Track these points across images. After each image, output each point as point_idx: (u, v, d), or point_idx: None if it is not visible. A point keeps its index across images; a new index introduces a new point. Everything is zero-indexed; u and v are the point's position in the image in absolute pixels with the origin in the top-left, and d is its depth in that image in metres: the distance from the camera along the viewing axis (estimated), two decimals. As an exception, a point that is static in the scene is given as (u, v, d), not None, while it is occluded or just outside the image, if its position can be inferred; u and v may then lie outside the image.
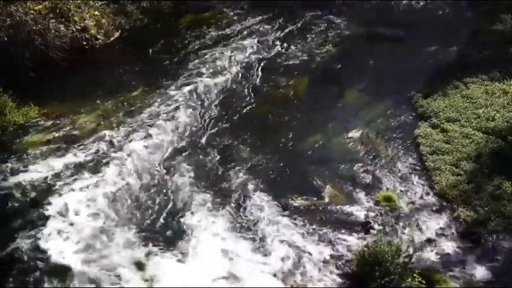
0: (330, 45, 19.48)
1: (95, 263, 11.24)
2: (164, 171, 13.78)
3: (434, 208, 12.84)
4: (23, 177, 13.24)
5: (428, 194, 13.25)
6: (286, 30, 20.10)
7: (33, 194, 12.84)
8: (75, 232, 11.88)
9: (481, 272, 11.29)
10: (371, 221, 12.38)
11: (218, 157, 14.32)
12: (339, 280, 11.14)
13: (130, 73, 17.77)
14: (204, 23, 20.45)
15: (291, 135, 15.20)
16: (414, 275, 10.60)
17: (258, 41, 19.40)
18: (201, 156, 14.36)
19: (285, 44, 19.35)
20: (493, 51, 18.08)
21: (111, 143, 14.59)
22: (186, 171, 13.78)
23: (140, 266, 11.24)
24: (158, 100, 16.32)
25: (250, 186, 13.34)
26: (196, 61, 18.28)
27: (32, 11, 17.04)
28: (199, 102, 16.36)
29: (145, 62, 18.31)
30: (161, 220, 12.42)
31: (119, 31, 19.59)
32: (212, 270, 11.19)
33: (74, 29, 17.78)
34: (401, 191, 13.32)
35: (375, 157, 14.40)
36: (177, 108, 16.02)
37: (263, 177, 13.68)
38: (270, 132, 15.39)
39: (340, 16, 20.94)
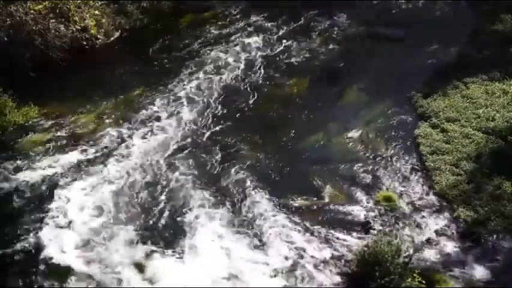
0: (330, 45, 19.46)
1: (95, 263, 11.25)
2: (165, 170, 13.80)
3: (434, 208, 12.84)
4: (23, 177, 13.27)
5: (428, 194, 13.24)
6: (287, 30, 20.09)
7: (33, 194, 12.86)
8: (75, 232, 11.90)
9: (481, 272, 11.29)
10: (371, 221, 12.38)
11: (219, 156, 14.33)
12: (339, 280, 11.15)
13: (130, 73, 17.78)
14: (204, 23, 20.44)
15: (291, 135, 15.21)
16: (414, 275, 10.61)
17: (258, 41, 19.39)
18: (201, 156, 14.37)
19: (285, 44, 19.34)
20: (493, 51, 18.06)
21: (111, 142, 14.60)
22: (186, 170, 13.80)
23: (140, 265, 11.26)
24: (159, 100, 16.34)
25: (251, 186, 13.35)
26: (196, 61, 18.29)
27: (32, 11, 17.05)
28: (200, 102, 16.36)
29: (145, 62, 18.32)
30: (162, 219, 12.43)
31: (119, 31, 19.59)
32: (212, 270, 11.20)
33: (74, 29, 17.79)
34: (401, 191, 13.32)
35: (375, 157, 14.40)
36: (177, 107, 16.05)
37: (263, 176, 13.69)
38: (270, 131, 15.39)
39: (340, 16, 20.92)
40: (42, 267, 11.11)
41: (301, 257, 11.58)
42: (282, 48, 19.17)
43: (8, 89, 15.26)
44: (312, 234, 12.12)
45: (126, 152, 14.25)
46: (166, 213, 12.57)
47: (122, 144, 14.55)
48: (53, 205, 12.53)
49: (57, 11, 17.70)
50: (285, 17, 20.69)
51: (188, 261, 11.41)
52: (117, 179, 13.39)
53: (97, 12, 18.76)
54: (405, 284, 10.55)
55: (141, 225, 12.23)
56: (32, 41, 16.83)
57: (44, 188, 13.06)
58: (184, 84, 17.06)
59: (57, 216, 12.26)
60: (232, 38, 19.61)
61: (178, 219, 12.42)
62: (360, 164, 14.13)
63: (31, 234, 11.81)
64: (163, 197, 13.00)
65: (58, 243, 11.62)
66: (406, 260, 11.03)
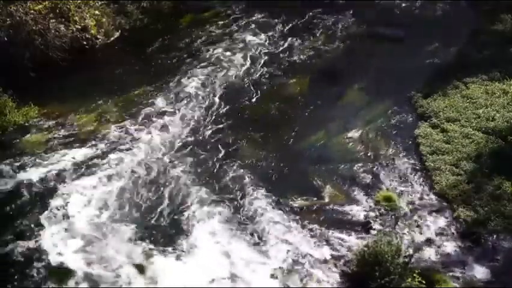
0: (331, 45, 19.47)
1: (95, 262, 11.25)
2: (165, 168, 13.81)
3: (434, 208, 12.83)
4: (22, 177, 13.26)
5: (428, 194, 13.24)
6: (287, 30, 20.10)
7: (33, 194, 12.85)
8: (75, 232, 11.90)
9: (481, 272, 11.29)
10: (371, 221, 12.38)
11: (219, 154, 14.36)
12: (339, 280, 11.15)
13: (130, 73, 17.78)
14: (204, 23, 20.46)
15: (291, 134, 15.21)
16: (414, 275, 10.60)
17: (258, 41, 19.39)
18: (202, 154, 14.39)
19: (285, 44, 19.35)
20: (493, 51, 18.07)
21: (111, 142, 14.60)
22: (186, 169, 13.82)
23: (140, 265, 11.25)
24: (159, 99, 16.36)
25: (251, 186, 13.35)
26: (196, 61, 18.31)
27: (32, 11, 17.05)
28: (200, 101, 16.37)
29: (145, 62, 18.32)
30: (162, 219, 12.43)
31: (119, 31, 19.60)
32: (211, 269, 11.20)
33: (74, 29, 17.79)
34: (401, 191, 13.31)
35: (375, 157, 14.40)
36: (177, 107, 16.05)
37: (264, 176, 13.70)
38: (270, 131, 15.39)
39: (340, 16, 20.93)
40: (42, 267, 11.11)
41: (301, 256, 11.58)
42: (281, 48, 19.18)
43: (8, 89, 15.27)
44: (312, 234, 12.12)
45: (126, 152, 14.25)
46: (166, 213, 12.57)
47: (123, 144, 14.54)
48: (53, 205, 12.52)
49: (57, 11, 17.70)
50: (285, 17, 20.69)
51: (188, 261, 11.40)
52: (117, 179, 13.39)
53: (97, 12, 18.76)
54: (405, 284, 10.54)
55: (141, 224, 12.23)
56: (32, 41, 16.83)
57: (44, 188, 13.06)
58: (184, 84, 17.07)
59: (58, 216, 12.26)
60: (232, 37, 19.63)
61: (178, 218, 12.42)
62: (360, 164, 14.12)
63: (31, 234, 11.80)
64: (163, 196, 13.00)
65: (58, 243, 11.61)
66: (406, 260, 11.03)
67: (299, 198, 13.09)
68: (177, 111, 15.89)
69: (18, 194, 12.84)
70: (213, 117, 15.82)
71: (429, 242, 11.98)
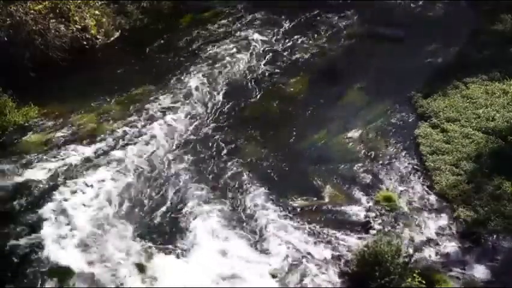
0: (331, 44, 19.47)
1: (95, 262, 11.26)
2: (165, 168, 13.82)
3: (434, 208, 12.84)
4: (22, 177, 13.26)
5: (428, 194, 13.24)
6: (286, 30, 20.09)
7: (32, 194, 12.85)
8: (75, 232, 11.91)
9: (481, 272, 11.29)
10: (371, 221, 12.38)
11: (220, 153, 14.38)
12: (339, 280, 11.15)
13: (130, 73, 17.78)
14: (204, 23, 20.44)
15: (291, 133, 15.21)
16: (414, 275, 10.60)
17: (258, 41, 19.39)
18: (202, 153, 14.41)
19: (285, 44, 19.35)
20: (493, 51, 18.05)
21: (111, 142, 14.60)
22: (186, 168, 13.83)
23: (140, 265, 11.26)
24: (159, 99, 16.35)
25: (251, 185, 13.36)
26: (197, 60, 18.30)
27: (32, 11, 17.04)
28: (200, 100, 16.38)
29: (145, 62, 18.32)
30: (162, 218, 12.45)
31: (119, 31, 19.59)
32: (211, 268, 11.21)
33: (74, 29, 17.79)
34: (401, 191, 13.31)
35: (375, 157, 14.39)
36: (177, 106, 16.05)
37: (264, 175, 13.70)
38: (270, 129, 15.41)
39: (340, 16, 20.93)
40: (42, 267, 11.11)
41: (301, 256, 11.58)
42: (281, 47, 19.17)
43: (8, 89, 15.24)
44: (311, 234, 12.12)
45: (126, 151, 14.24)
46: (166, 210, 12.59)
47: (123, 144, 14.54)
48: (52, 205, 12.52)
49: (57, 11, 17.70)
50: (284, 17, 20.69)
51: (188, 260, 11.41)
52: (118, 179, 13.39)
53: (97, 12, 18.76)
54: (405, 284, 10.55)
55: (142, 224, 12.25)
56: (32, 41, 16.83)
57: (43, 188, 13.05)
58: (184, 83, 17.06)
59: (57, 216, 12.26)
60: (233, 37, 19.61)
61: (178, 217, 12.44)
62: (360, 164, 14.13)
63: (31, 234, 11.80)
64: (164, 196, 13.01)
65: (58, 243, 11.62)
66: (406, 260, 11.03)
67: (299, 198, 13.09)
68: (178, 110, 15.89)
69: (18, 194, 12.83)
70: (214, 115, 15.84)
71: (429, 242, 11.98)
